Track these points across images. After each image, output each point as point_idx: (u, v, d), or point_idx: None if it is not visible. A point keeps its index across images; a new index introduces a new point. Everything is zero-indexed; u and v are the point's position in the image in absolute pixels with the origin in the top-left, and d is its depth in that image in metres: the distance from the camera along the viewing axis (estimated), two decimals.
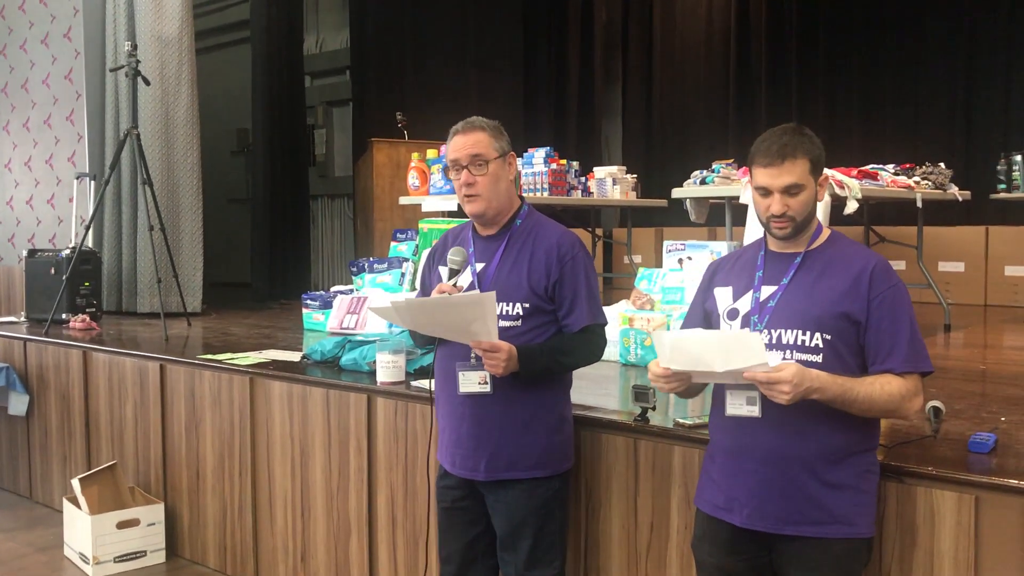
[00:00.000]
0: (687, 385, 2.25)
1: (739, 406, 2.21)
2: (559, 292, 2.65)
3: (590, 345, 2.70)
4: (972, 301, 7.80)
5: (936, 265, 7.76)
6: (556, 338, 2.67)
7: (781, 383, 2.05)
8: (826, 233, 2.33)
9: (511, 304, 2.64)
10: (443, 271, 2.74)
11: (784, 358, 2.18)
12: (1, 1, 7.70)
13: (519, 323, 2.64)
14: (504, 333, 2.57)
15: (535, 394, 2.67)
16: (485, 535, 2.78)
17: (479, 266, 2.72)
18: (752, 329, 2.24)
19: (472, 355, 2.61)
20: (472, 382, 2.64)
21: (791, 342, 2.20)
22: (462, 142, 2.68)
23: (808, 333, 2.19)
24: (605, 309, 4.39)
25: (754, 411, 2.19)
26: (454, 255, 2.67)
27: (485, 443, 2.66)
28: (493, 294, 2.50)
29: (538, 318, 2.65)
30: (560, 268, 2.64)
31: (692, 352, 2.13)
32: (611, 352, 4.21)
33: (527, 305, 2.64)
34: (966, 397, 3.52)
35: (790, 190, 2.20)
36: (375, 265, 5.79)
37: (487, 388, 2.63)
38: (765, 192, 2.24)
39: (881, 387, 2.14)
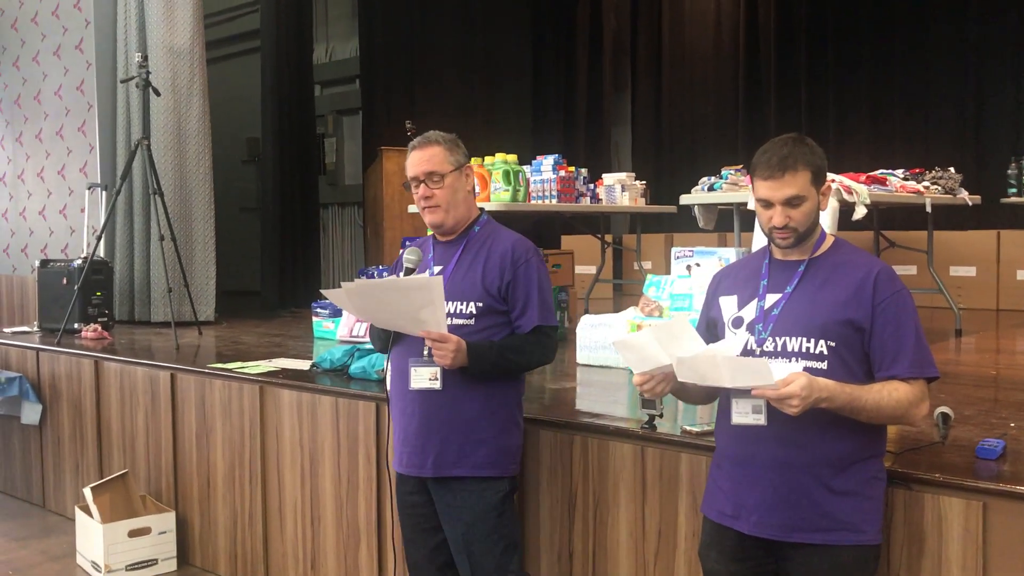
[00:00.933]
0: (671, 384, 2.28)
1: (745, 414, 2.22)
2: (512, 294, 2.74)
3: (540, 346, 2.78)
4: (984, 305, 7.77)
5: (947, 270, 7.74)
6: (507, 337, 2.75)
7: (791, 397, 2.05)
8: (830, 240, 2.33)
9: (465, 303, 2.72)
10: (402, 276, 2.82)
11: (789, 365, 2.19)
12: (14, 13, 7.77)
13: (472, 322, 2.72)
14: (457, 331, 2.66)
15: (485, 393, 2.74)
16: (448, 542, 2.82)
17: (436, 268, 2.81)
18: (756, 337, 2.25)
19: (424, 350, 2.67)
20: (423, 378, 2.71)
21: (796, 349, 2.21)
22: (418, 158, 2.77)
23: (812, 340, 2.19)
24: (614, 315, 4.44)
25: (760, 419, 2.19)
26: (409, 254, 2.77)
27: (433, 439, 2.73)
28: (440, 278, 2.59)
29: (491, 318, 2.73)
30: (513, 270, 2.73)
31: (698, 370, 2.14)
32: (620, 359, 4.21)
33: (480, 304, 2.72)
34: (976, 403, 3.50)
35: (791, 202, 2.21)
36: (384, 273, 5.80)
37: (437, 385, 2.70)
38: (767, 204, 2.25)
39: (888, 394, 2.14)
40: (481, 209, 2.93)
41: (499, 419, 2.77)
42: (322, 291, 3.22)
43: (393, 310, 2.63)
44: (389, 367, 2.87)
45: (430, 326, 2.59)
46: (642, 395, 2.95)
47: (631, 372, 4.22)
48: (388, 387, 2.91)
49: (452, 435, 2.72)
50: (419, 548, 2.87)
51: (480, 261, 2.76)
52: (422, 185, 2.74)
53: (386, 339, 2.82)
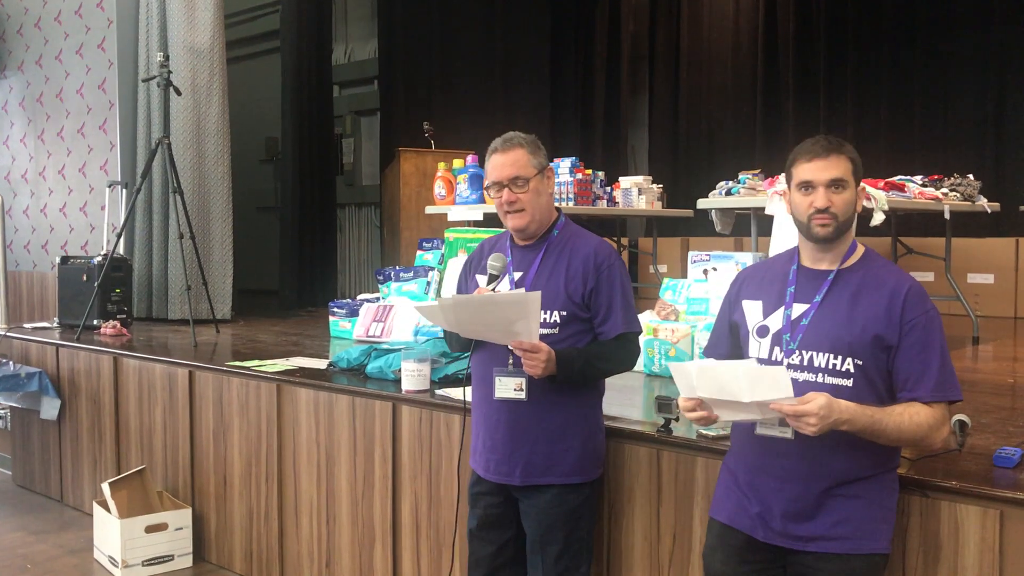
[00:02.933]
0: (716, 418, 2.23)
1: (771, 426, 2.19)
2: (595, 300, 2.69)
3: (625, 352, 2.74)
4: (1002, 313, 7.72)
5: (965, 277, 7.70)
6: (592, 344, 2.71)
7: (808, 415, 2.03)
8: (860, 250, 2.30)
9: (549, 312, 2.68)
10: (480, 279, 2.80)
11: (815, 380, 2.17)
12: (37, 12, 7.85)
13: (556, 331, 2.68)
14: (542, 340, 2.60)
15: (570, 401, 2.71)
16: (514, 541, 2.83)
17: (517, 275, 2.76)
18: (784, 348, 2.23)
19: (509, 361, 2.66)
20: (508, 387, 2.69)
21: (822, 365, 2.19)
22: (501, 161, 2.71)
23: (840, 358, 2.18)
24: None
25: (787, 432, 2.17)
26: (494, 260, 2.72)
27: (520, 449, 2.71)
28: (538, 294, 2.53)
29: (575, 326, 2.70)
30: (596, 276, 2.69)
31: (718, 381, 2.11)
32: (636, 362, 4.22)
33: (564, 313, 2.68)
34: (993, 411, 3.49)
35: (836, 183, 2.21)
36: (401, 274, 5.83)
37: (522, 395, 2.68)
38: (808, 187, 2.23)
39: (910, 417, 2.12)
40: (558, 210, 2.87)
41: (583, 425, 2.75)
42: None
43: (487, 323, 2.59)
44: (470, 373, 2.85)
45: (522, 337, 2.55)
46: (659, 399, 2.98)
47: (646, 374, 4.25)
48: (469, 393, 2.88)
49: (539, 445, 2.70)
50: (484, 545, 2.85)
51: (562, 267, 2.71)
52: (505, 190, 2.69)
53: (466, 344, 2.81)
